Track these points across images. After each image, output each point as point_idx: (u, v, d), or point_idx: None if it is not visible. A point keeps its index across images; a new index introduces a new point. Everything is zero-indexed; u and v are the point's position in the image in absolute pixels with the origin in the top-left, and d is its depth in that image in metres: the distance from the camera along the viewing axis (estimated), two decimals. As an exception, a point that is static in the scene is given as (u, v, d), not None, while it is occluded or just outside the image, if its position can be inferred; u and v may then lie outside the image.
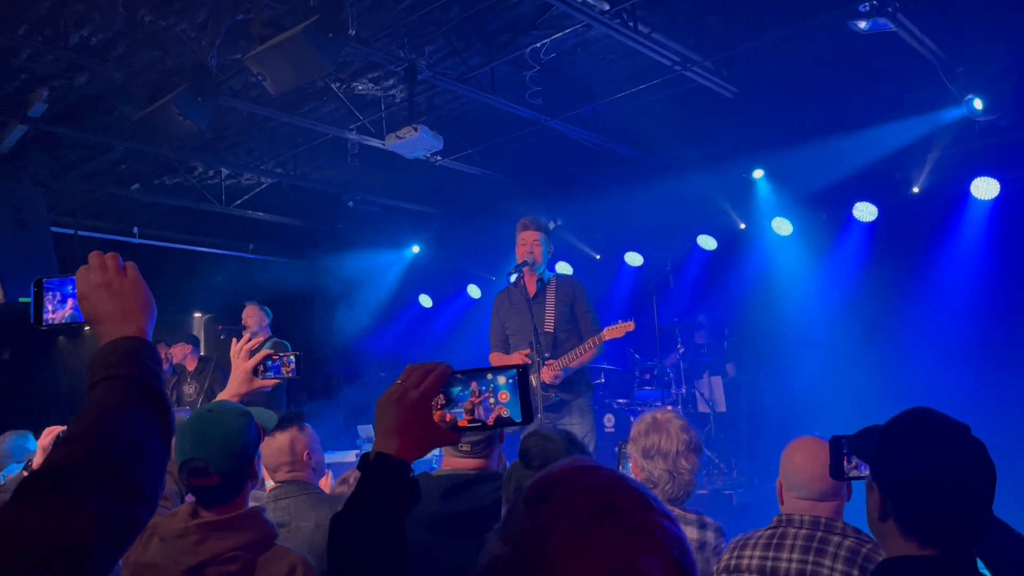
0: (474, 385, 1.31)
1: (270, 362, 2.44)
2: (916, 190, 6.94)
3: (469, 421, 1.31)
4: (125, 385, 1.19)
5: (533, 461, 1.69)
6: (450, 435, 1.31)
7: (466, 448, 2.26)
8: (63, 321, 1.44)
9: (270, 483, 3.23)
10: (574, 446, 1.77)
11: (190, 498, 2.42)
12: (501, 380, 1.30)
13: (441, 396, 1.31)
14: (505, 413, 1.29)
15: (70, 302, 1.43)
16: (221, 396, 2.45)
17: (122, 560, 2.23)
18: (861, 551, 2.23)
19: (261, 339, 2.94)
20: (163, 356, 7.24)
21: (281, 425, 3.06)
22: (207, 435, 2.14)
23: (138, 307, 1.32)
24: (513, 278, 5.09)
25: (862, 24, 5.23)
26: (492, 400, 1.30)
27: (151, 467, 1.13)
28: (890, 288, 7.06)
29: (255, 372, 2.44)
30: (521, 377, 1.29)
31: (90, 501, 1.04)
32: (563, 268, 8.75)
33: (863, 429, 1.83)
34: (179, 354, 7.25)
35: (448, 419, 1.31)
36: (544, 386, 4.92)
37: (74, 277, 1.40)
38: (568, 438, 1.79)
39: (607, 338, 4.97)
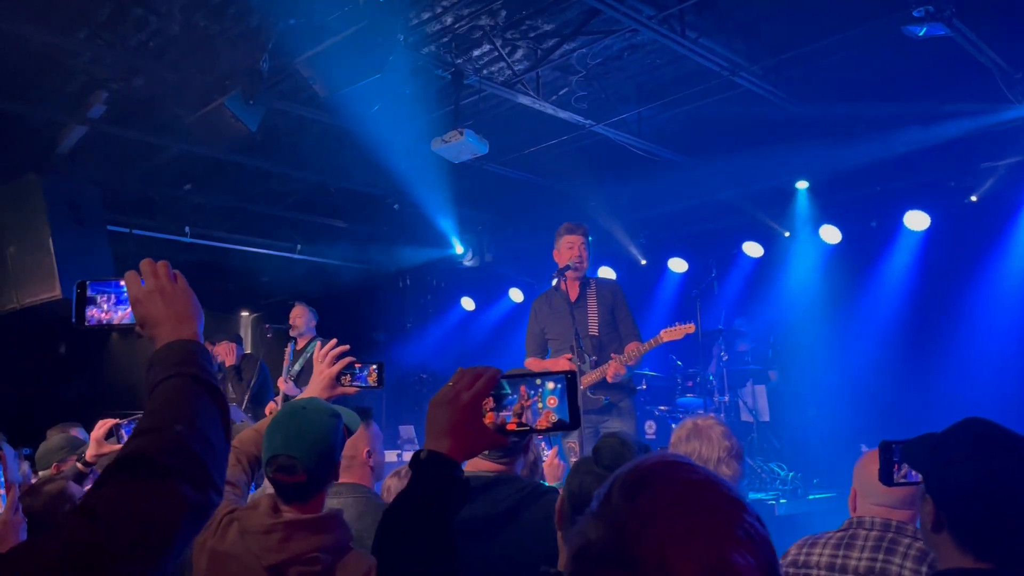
0: (523, 389, 1.34)
1: (355, 370, 2.45)
2: (974, 199, 6.77)
3: (517, 424, 1.33)
4: (191, 383, 1.28)
5: (604, 460, 1.72)
6: (499, 437, 1.34)
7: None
8: (122, 323, 1.50)
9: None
10: (643, 452, 1.78)
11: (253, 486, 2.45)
12: (550, 385, 1.32)
13: (491, 399, 1.34)
14: (553, 418, 1.32)
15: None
16: (302, 396, 2.47)
17: (196, 545, 2.26)
18: (932, 553, 2.21)
19: (346, 347, 2.87)
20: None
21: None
22: (300, 433, 2.16)
23: (190, 312, 1.42)
24: (555, 282, 5.10)
25: (918, 30, 5.13)
26: (540, 404, 1.32)
27: (220, 458, 1.23)
28: (942, 298, 6.90)
29: (338, 378, 2.45)
30: (570, 383, 1.32)
31: (178, 486, 1.13)
32: (606, 273, 8.72)
33: (917, 437, 1.80)
34: (223, 352, 7.38)
35: (497, 421, 1.34)
36: (592, 389, 4.92)
37: (118, 281, 1.48)
38: (641, 447, 1.80)
39: (665, 340, 4.95)
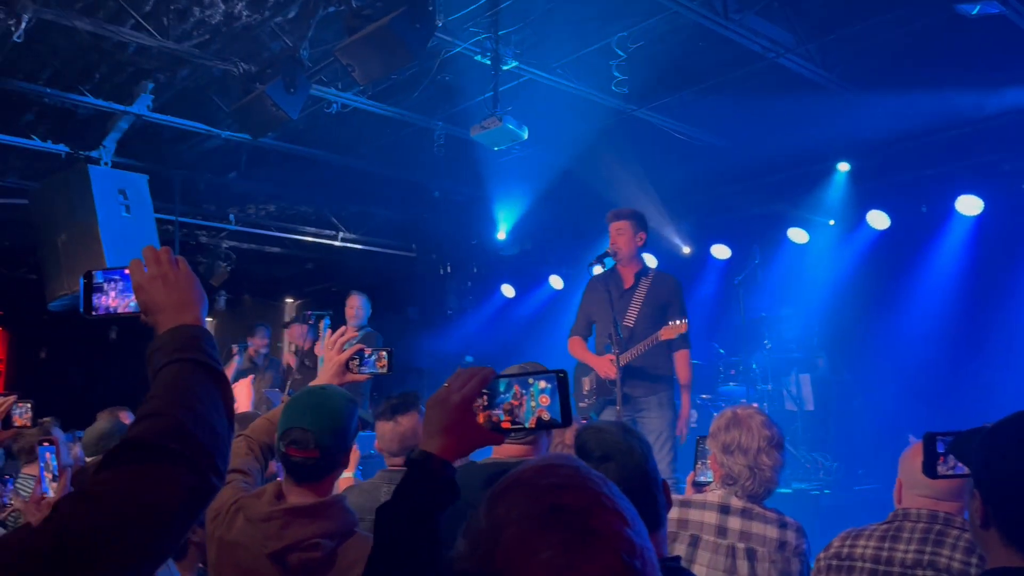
0: (516, 388, 1.36)
1: (364, 356, 2.46)
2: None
3: (511, 422, 1.36)
4: (193, 368, 1.28)
5: (593, 453, 1.73)
6: (492, 435, 1.37)
7: None
8: (127, 310, 1.50)
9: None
10: (629, 435, 1.78)
11: (273, 469, 2.48)
12: (542, 384, 1.34)
13: (484, 398, 1.36)
14: (546, 416, 1.33)
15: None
16: (314, 384, 2.50)
17: (208, 535, 2.32)
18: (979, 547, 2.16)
19: (354, 333, 2.90)
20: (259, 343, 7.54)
21: (402, 409, 3.05)
22: (316, 408, 2.19)
23: (193, 298, 1.41)
24: (594, 269, 5.00)
25: (971, 8, 4.96)
26: (533, 403, 1.34)
27: (221, 442, 1.23)
28: (995, 286, 6.69)
29: (347, 365, 2.46)
30: (561, 382, 1.33)
31: (176, 470, 1.14)
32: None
33: (968, 430, 1.76)
34: (296, 336, 7.51)
35: (492, 420, 1.37)
36: (611, 381, 4.81)
37: (123, 269, 1.48)
38: (622, 428, 1.79)
39: (663, 338, 4.81)
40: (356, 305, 7.05)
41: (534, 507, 0.86)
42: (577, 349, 5.15)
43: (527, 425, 1.35)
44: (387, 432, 3.05)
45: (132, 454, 1.14)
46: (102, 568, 1.03)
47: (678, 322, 4.80)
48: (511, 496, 0.89)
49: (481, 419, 1.36)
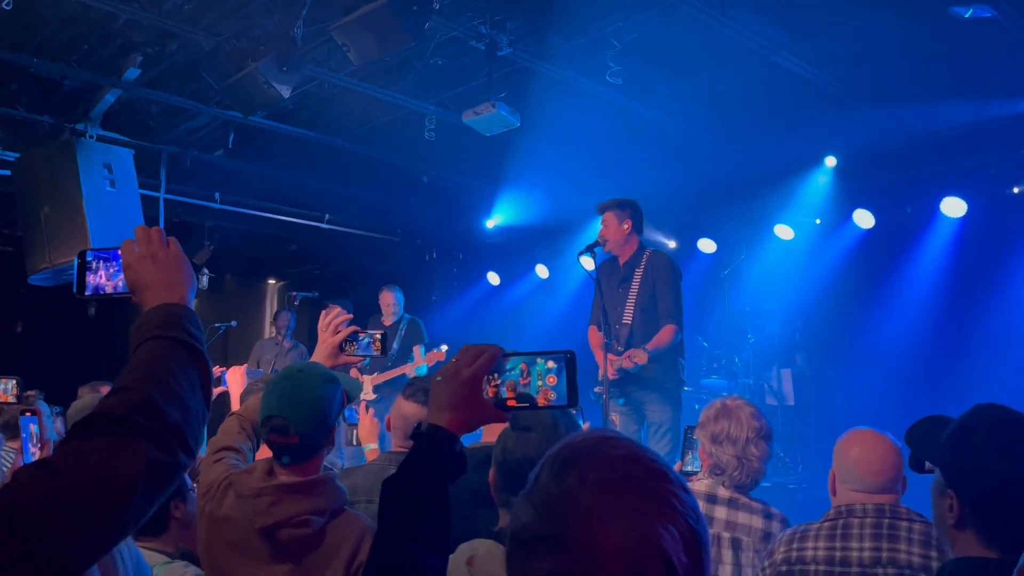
0: (523, 367, 1.38)
1: (359, 339, 2.48)
2: (1016, 191, 6.60)
3: (517, 400, 1.37)
4: (172, 345, 1.29)
5: (520, 423, 1.89)
6: (498, 412, 1.38)
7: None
8: (117, 290, 1.50)
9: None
10: (560, 412, 1.87)
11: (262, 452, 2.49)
12: (550, 364, 1.36)
13: (494, 376, 1.38)
14: (552, 395, 1.35)
15: None
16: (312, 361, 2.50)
17: (199, 510, 2.33)
18: (933, 533, 2.19)
19: (347, 317, 2.83)
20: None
21: (415, 395, 3.04)
22: (293, 395, 2.20)
23: (180, 278, 1.42)
24: (583, 259, 4.92)
25: (964, 11, 5.01)
26: (540, 382, 1.36)
27: (194, 420, 1.23)
28: (977, 287, 6.77)
29: (341, 347, 2.48)
30: (568, 363, 1.35)
31: (141, 444, 1.14)
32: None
33: (922, 423, 1.76)
34: None
35: (498, 397, 1.38)
36: (612, 383, 4.71)
37: (116, 250, 1.48)
38: None
39: (630, 365, 4.64)
40: (390, 301, 7.04)
41: (606, 476, 0.90)
42: (590, 340, 5.07)
43: (534, 403, 1.37)
44: (413, 413, 2.98)
45: (99, 427, 1.14)
46: (54, 535, 1.04)
47: (643, 351, 4.64)
48: (581, 466, 0.92)
49: (489, 394, 1.37)
